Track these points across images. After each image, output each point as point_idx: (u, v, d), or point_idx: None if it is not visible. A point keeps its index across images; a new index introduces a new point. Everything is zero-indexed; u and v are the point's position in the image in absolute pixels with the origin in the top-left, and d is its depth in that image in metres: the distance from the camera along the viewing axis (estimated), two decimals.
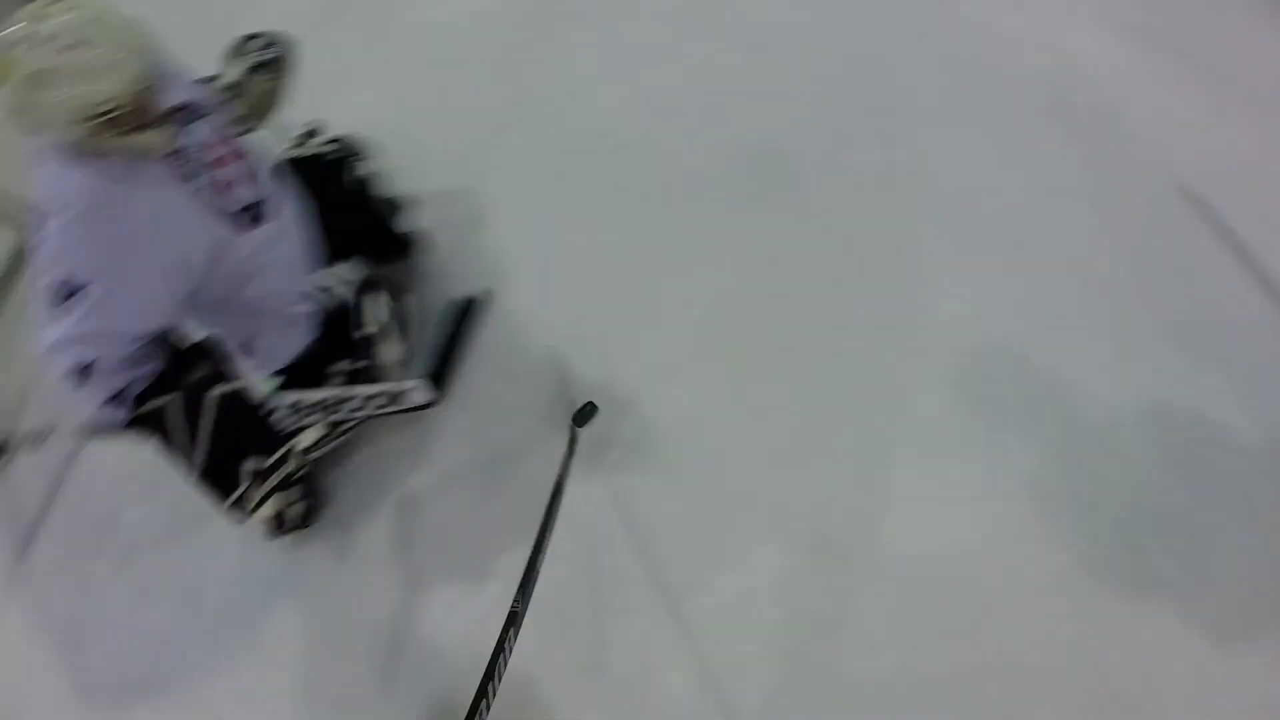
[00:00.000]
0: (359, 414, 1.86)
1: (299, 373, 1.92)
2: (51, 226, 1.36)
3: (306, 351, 1.94)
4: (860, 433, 1.95)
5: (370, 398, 1.83)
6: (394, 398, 1.84)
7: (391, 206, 2.18)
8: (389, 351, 2.01)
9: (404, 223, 2.23)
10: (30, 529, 2.68)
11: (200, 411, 1.52)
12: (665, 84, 2.56)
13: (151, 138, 1.40)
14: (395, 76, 2.89)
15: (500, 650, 1.14)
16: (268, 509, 1.92)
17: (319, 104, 2.28)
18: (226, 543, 2.09)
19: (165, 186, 1.47)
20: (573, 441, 1.80)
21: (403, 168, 2.35)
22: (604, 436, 2.05)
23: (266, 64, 1.96)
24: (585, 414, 1.97)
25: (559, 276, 2.33)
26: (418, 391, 1.85)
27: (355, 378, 1.92)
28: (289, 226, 1.82)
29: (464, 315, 2.12)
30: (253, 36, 1.98)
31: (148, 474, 2.36)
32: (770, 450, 1.97)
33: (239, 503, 1.62)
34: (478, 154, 2.57)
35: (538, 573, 1.29)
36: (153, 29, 1.46)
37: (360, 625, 2.05)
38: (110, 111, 1.29)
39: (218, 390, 1.54)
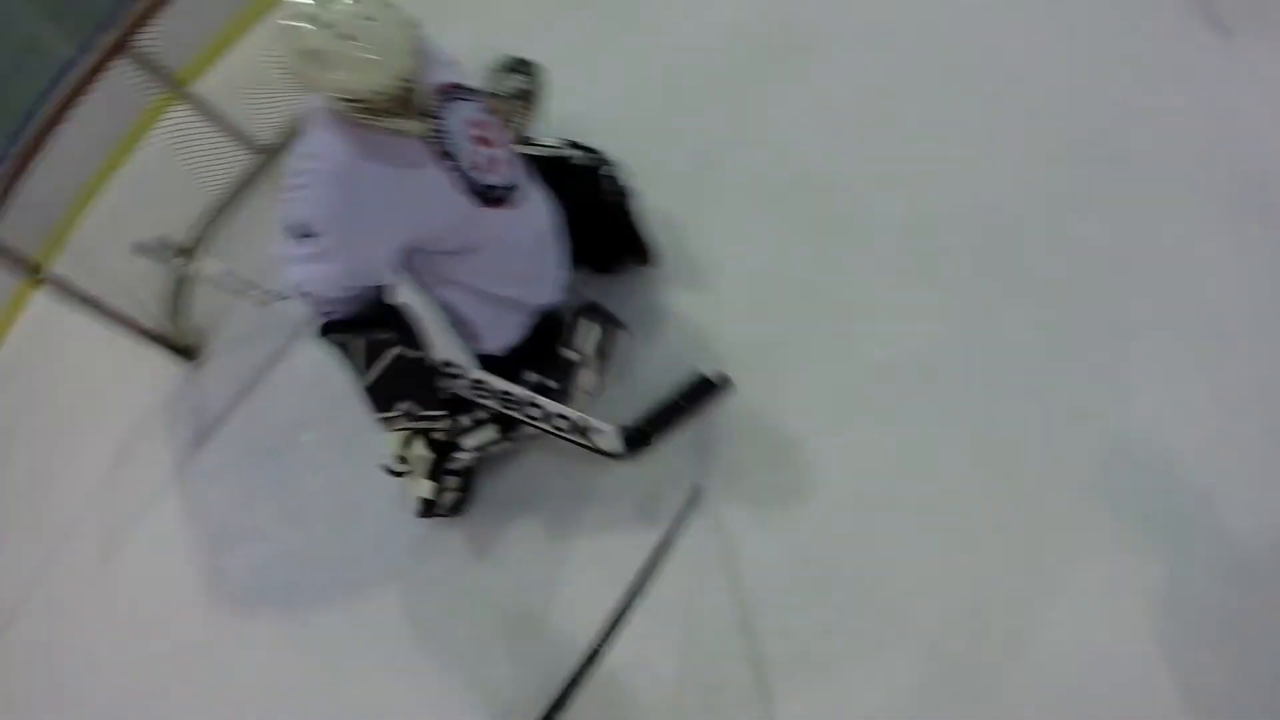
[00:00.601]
0: (537, 425, 1.83)
1: (496, 364, 1.94)
2: (303, 175, 1.49)
3: (513, 347, 1.95)
4: (1027, 528, 1.78)
5: (556, 416, 1.80)
6: (580, 430, 1.79)
7: (634, 215, 2.15)
8: (584, 381, 1.98)
9: (644, 232, 2.20)
10: (209, 427, 2.92)
11: (378, 358, 1.67)
12: (893, 127, 2.46)
13: (408, 124, 1.47)
14: (622, 84, 2.93)
15: (573, 684, 1.15)
16: (424, 489, 1.98)
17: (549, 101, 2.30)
18: (386, 491, 2.16)
19: (416, 165, 1.55)
20: (694, 498, 1.77)
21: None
22: (746, 479, 1.97)
23: (524, 93, 2.05)
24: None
25: (757, 301, 2.26)
26: (607, 438, 1.79)
27: (542, 392, 1.88)
28: (531, 216, 1.85)
29: (698, 393, 1.93)
30: (515, 65, 2.07)
31: (331, 404, 2.49)
32: (924, 532, 1.83)
33: (387, 420, 1.76)
34: (693, 177, 2.54)
35: (625, 618, 1.26)
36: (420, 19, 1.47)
37: (478, 611, 2.08)
38: (369, 101, 1.38)
39: (397, 350, 1.67)
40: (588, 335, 1.96)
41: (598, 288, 2.25)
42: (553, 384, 1.92)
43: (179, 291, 3.27)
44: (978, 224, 2.19)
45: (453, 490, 2.06)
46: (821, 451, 1.97)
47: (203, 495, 2.79)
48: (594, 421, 1.78)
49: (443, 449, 1.97)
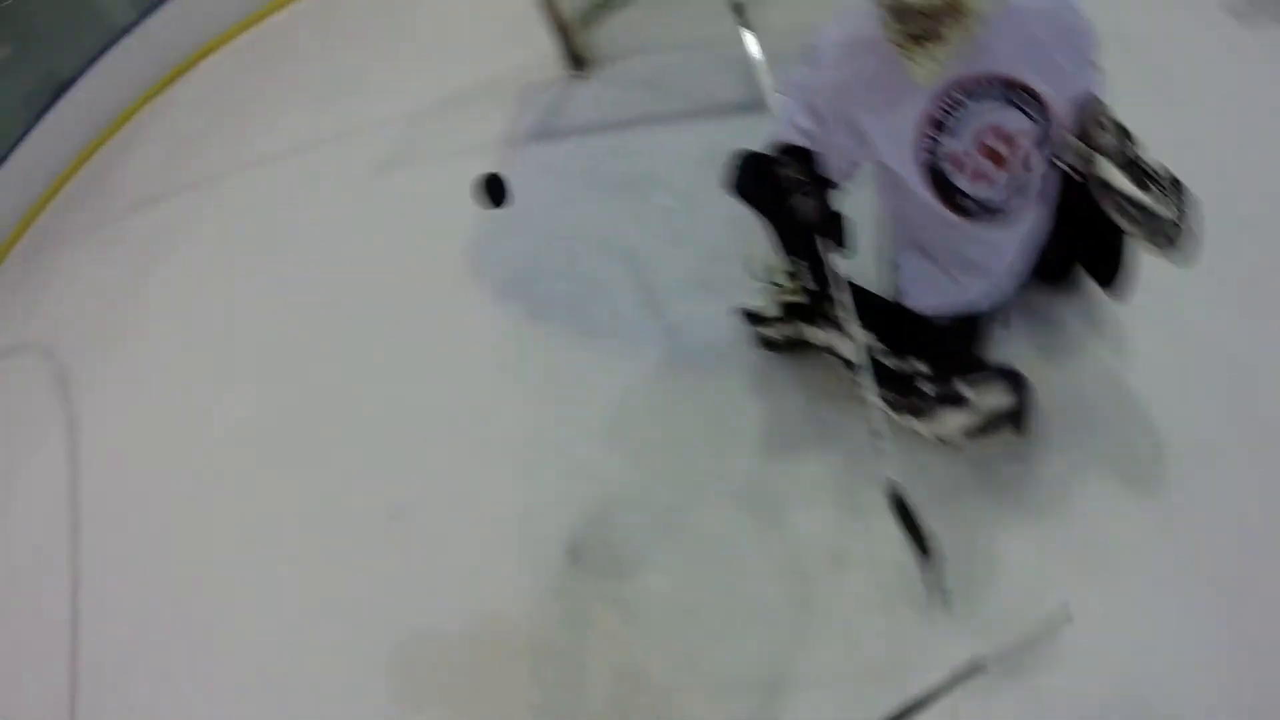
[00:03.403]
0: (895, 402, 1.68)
1: (902, 318, 1.74)
2: (823, 41, 1.54)
3: (924, 317, 1.73)
4: None
5: (898, 379, 1.66)
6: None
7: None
8: (952, 418, 1.66)
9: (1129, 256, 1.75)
10: (561, 131, 2.94)
11: (795, 241, 1.68)
12: None
13: (918, 61, 1.38)
14: None
15: None
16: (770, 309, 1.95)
17: None
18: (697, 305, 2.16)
19: (898, 106, 1.48)
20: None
21: None
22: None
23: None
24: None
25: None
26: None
27: (913, 377, 1.69)
28: (996, 233, 1.63)
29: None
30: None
31: (705, 201, 2.40)
32: None
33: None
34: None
35: None
36: None
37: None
38: (902, 7, 1.32)
39: (817, 247, 1.63)
40: (993, 395, 1.62)
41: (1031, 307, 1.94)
42: (927, 386, 1.68)
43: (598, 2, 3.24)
44: None
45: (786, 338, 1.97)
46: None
47: (516, 175, 2.79)
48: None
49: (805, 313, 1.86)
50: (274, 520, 2.72)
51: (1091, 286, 1.82)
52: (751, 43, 2.14)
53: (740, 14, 2.32)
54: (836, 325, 1.71)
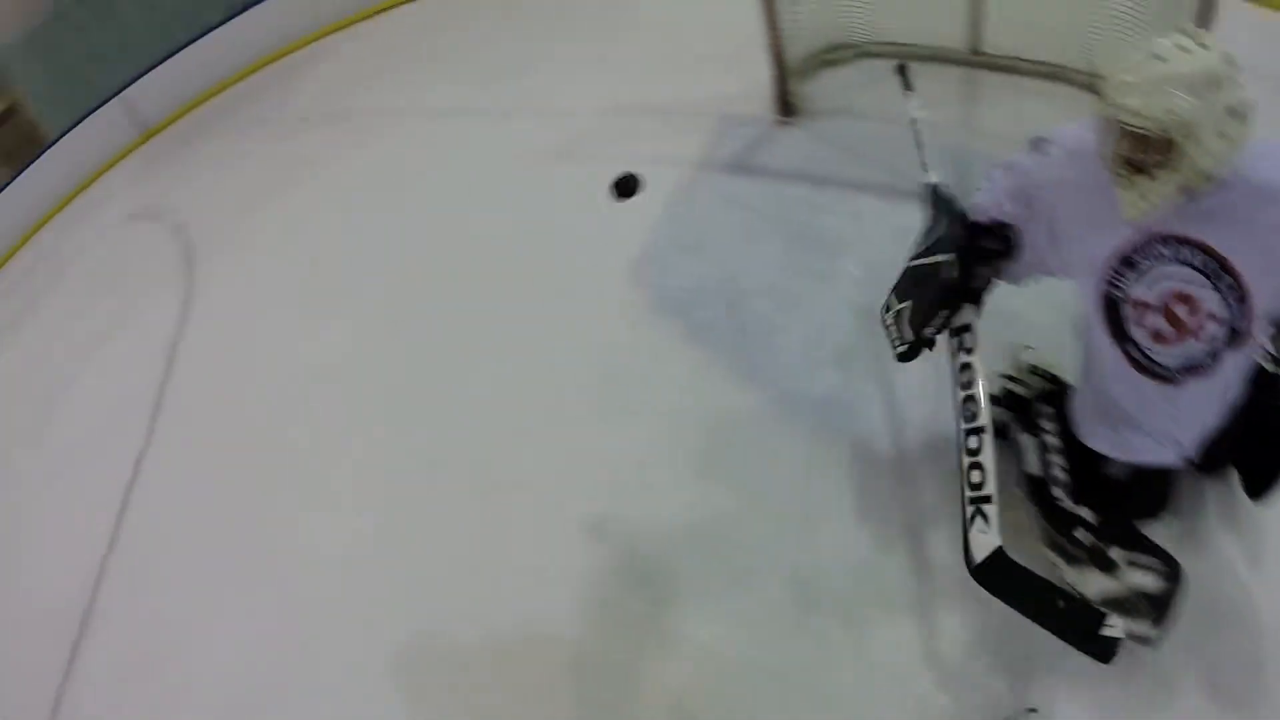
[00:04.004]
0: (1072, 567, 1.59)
1: (1081, 459, 1.64)
2: (1055, 136, 1.57)
3: (1110, 474, 1.61)
4: None
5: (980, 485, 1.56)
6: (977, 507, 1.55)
7: None
8: (1095, 581, 1.58)
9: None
10: (754, 168, 2.85)
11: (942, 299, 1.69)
12: None
13: (1129, 193, 1.36)
14: None
15: None
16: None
17: None
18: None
19: (1101, 228, 1.46)
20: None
21: None
22: None
23: None
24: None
25: None
26: (980, 544, 1.51)
27: (1073, 523, 1.60)
28: (1172, 401, 1.51)
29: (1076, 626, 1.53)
30: None
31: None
32: None
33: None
34: None
35: None
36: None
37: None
38: (1120, 130, 1.32)
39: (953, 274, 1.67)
40: (1143, 576, 1.54)
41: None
42: (1084, 536, 1.59)
43: (826, 56, 3.20)
44: None
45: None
46: None
47: (701, 200, 2.75)
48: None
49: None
50: (342, 464, 2.66)
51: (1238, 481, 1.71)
52: (915, 106, 2.08)
53: (904, 75, 2.24)
54: (1036, 434, 1.72)
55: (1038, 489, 1.70)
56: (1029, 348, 1.99)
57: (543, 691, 1.89)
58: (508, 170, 3.50)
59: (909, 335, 1.72)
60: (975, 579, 1.52)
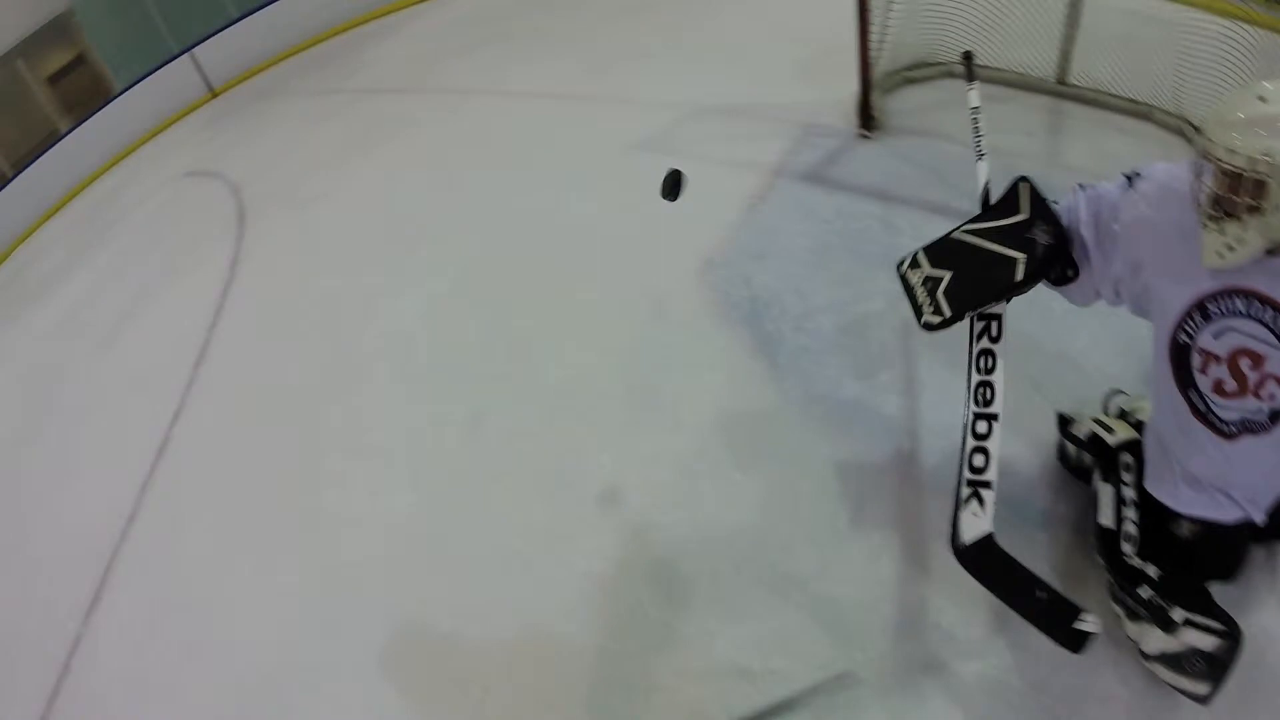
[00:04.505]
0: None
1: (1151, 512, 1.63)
2: (1147, 173, 1.51)
3: (1178, 530, 1.59)
4: None
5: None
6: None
7: None
8: (1153, 638, 1.56)
9: None
10: (832, 180, 2.80)
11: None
12: None
13: (1210, 239, 1.35)
14: None
15: None
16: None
17: None
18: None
19: (1182, 273, 1.44)
20: None
21: None
22: None
23: None
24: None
25: None
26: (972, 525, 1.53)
27: (1135, 578, 1.59)
28: (1231, 457, 1.50)
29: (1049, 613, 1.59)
30: None
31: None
32: None
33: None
34: None
35: None
36: None
37: None
38: (1214, 168, 1.30)
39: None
40: (1201, 637, 1.53)
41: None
42: (1146, 593, 1.58)
43: (909, 73, 3.16)
44: None
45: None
46: None
47: (776, 208, 2.69)
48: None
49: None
50: (391, 436, 2.62)
51: None
52: (974, 96, 1.99)
53: (969, 64, 2.16)
54: (1114, 484, 1.69)
55: (1108, 542, 1.67)
56: (1120, 393, 1.92)
57: (553, 696, 1.85)
58: (581, 158, 3.47)
59: (947, 311, 1.67)
60: (959, 559, 1.53)
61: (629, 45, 4.33)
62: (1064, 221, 1.60)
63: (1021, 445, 1.94)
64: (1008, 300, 1.64)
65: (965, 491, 1.55)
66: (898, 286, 2.47)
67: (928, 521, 1.90)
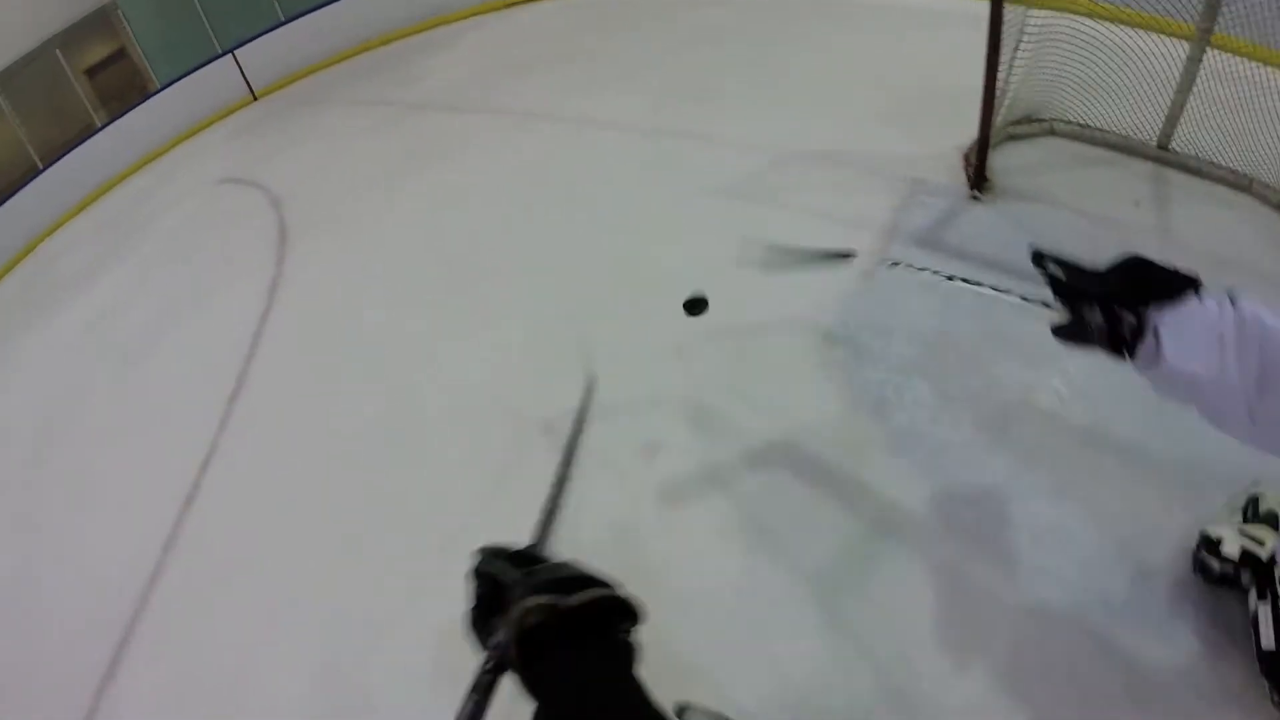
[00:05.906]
0: None
1: None
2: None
3: None
4: None
5: None
6: None
7: None
8: None
9: None
10: (937, 243, 2.58)
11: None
12: None
13: None
14: None
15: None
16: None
17: None
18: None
19: None
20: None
21: None
22: None
23: None
24: None
25: None
26: None
27: None
28: None
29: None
30: None
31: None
32: None
33: None
34: None
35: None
36: None
37: None
38: None
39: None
40: None
41: None
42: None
43: (1013, 130, 2.94)
44: None
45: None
46: None
47: (891, 276, 2.49)
48: None
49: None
50: (453, 516, 2.28)
51: None
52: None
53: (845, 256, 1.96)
54: (1271, 599, 1.57)
55: (1274, 666, 1.55)
56: (1259, 492, 1.72)
57: None
58: (660, 201, 3.22)
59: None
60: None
61: (699, 79, 4.12)
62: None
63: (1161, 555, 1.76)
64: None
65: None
66: (1035, 378, 2.21)
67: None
